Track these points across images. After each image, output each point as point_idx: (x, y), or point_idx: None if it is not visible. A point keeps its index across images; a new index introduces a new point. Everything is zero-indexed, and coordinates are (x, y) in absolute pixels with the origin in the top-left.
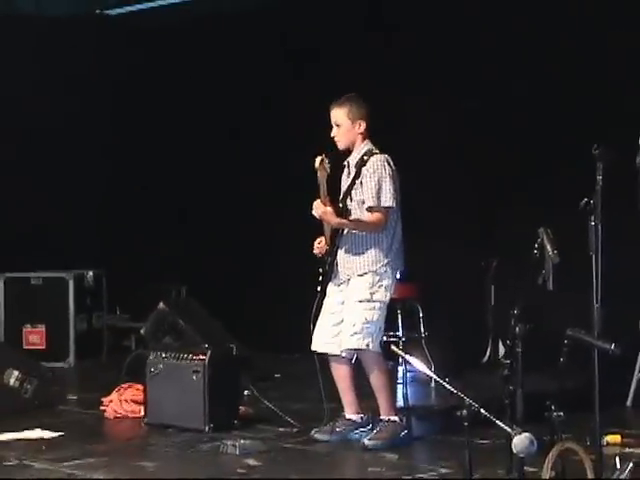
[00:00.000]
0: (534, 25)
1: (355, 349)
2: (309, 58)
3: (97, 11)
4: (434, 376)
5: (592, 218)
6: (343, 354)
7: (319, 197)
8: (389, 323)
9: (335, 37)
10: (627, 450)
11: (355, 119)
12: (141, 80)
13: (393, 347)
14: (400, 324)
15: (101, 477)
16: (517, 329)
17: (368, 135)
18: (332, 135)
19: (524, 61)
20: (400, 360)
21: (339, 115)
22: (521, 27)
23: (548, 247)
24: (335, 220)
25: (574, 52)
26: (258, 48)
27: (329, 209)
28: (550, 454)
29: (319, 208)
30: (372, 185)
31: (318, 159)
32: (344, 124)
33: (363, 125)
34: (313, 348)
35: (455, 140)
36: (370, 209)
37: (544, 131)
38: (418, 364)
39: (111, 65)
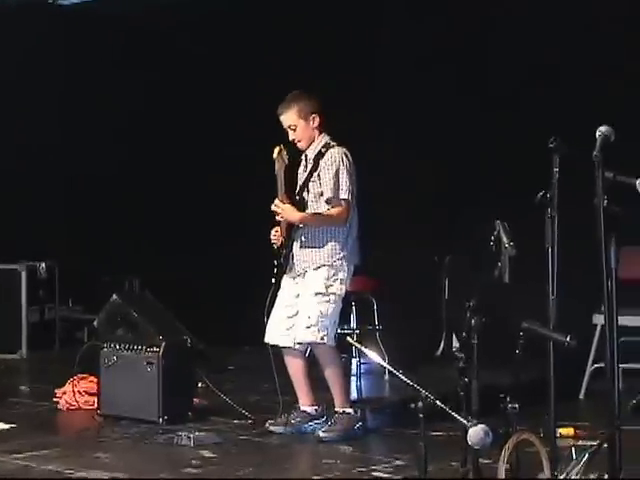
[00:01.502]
0: (494, 22)
1: (310, 342)
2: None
3: (49, 0)
4: (391, 369)
5: (548, 211)
6: (297, 347)
7: (277, 189)
8: (343, 316)
9: (299, 32)
10: (580, 442)
11: (307, 115)
12: (95, 70)
13: (349, 339)
14: (354, 317)
15: (55, 468)
16: (472, 322)
17: (324, 127)
18: (291, 139)
19: (482, 57)
20: (354, 353)
21: (290, 117)
22: (483, 24)
23: (504, 240)
24: (297, 216)
25: (531, 45)
26: (219, 39)
27: (288, 206)
28: (507, 445)
29: (278, 207)
30: (330, 177)
31: (276, 149)
32: (298, 124)
33: (317, 119)
34: (266, 340)
35: (411, 135)
36: (329, 201)
37: (499, 123)
38: (374, 356)
39: (63, 55)
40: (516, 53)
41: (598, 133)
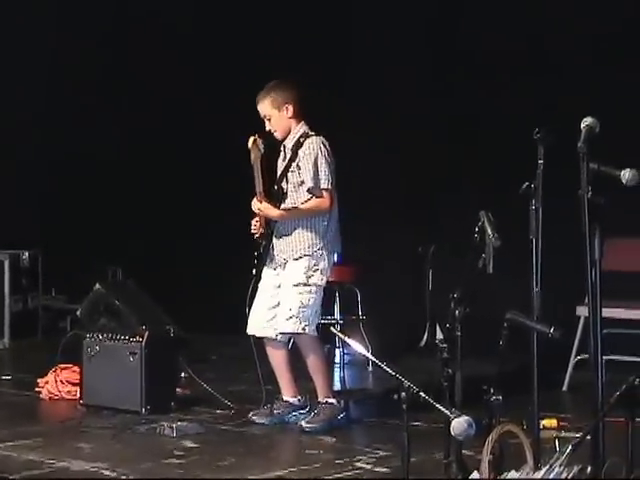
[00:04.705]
0: (475, 9)
1: (291, 333)
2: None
3: None
4: (374, 359)
5: (533, 202)
6: (279, 338)
7: (253, 180)
8: (327, 306)
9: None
10: (563, 434)
11: (281, 106)
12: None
13: (332, 329)
14: (338, 307)
15: (36, 458)
16: (456, 312)
17: (302, 116)
18: (267, 129)
19: (465, 45)
20: (337, 343)
21: (265, 108)
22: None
23: (489, 231)
24: (276, 213)
25: (518, 35)
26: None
27: (265, 205)
28: (490, 436)
29: (256, 205)
30: (309, 167)
31: (251, 139)
32: (272, 114)
33: (291, 108)
34: (248, 332)
35: (394, 123)
36: (310, 191)
37: (484, 114)
38: (358, 347)
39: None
40: (501, 43)
41: (583, 124)
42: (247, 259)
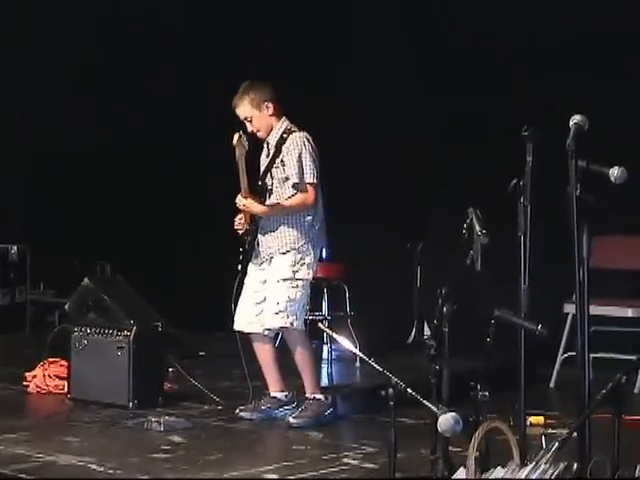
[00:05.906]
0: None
1: (279, 328)
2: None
3: None
4: (362, 355)
5: (521, 199)
6: (266, 333)
7: (238, 176)
8: (315, 302)
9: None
10: (550, 431)
11: (260, 105)
12: (64, 43)
13: (320, 325)
14: (326, 304)
15: (24, 452)
16: (444, 309)
17: (283, 113)
18: (250, 131)
19: (459, 43)
20: (325, 339)
21: (244, 110)
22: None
23: (477, 227)
24: (261, 209)
25: (509, 34)
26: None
27: (250, 201)
28: (477, 433)
29: (241, 201)
30: (294, 162)
31: (236, 136)
32: (253, 115)
33: (270, 106)
34: (235, 328)
35: (383, 120)
36: (295, 186)
37: (472, 112)
38: (345, 343)
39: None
40: (500, 42)
41: (572, 122)
42: (233, 255)
